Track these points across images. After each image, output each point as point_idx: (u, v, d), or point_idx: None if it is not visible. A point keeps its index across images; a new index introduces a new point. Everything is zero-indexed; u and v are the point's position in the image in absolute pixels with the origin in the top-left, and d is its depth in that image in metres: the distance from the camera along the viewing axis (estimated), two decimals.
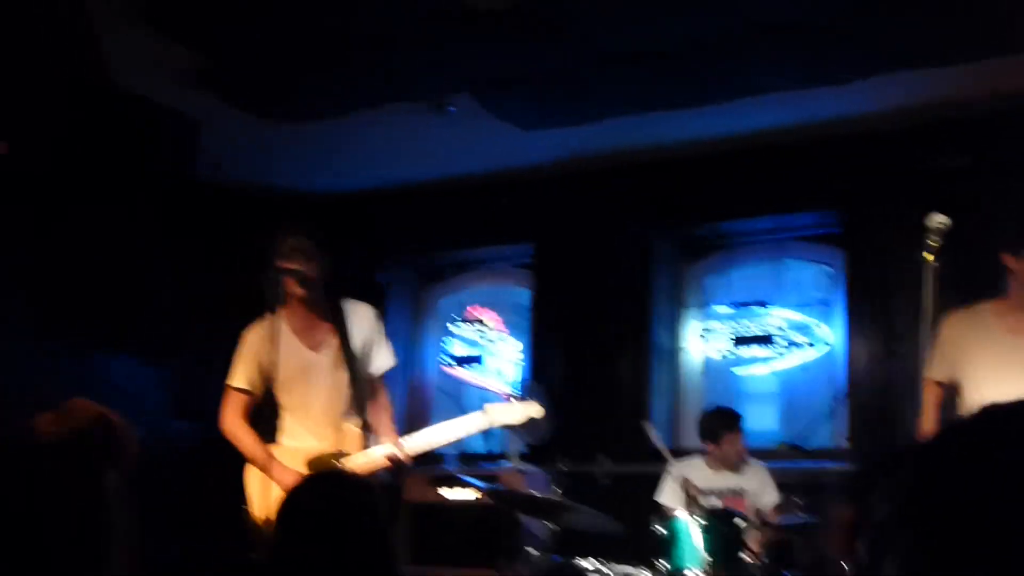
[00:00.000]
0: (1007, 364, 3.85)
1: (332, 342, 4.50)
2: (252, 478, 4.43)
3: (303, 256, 4.37)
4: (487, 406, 4.45)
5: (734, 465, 5.52)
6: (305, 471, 4.38)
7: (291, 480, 4.30)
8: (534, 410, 4.40)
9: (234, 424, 4.49)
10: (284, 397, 4.50)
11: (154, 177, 5.89)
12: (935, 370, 4.11)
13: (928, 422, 4.07)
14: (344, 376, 4.47)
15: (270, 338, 4.23)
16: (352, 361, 4.47)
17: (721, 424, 5.54)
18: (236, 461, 4.51)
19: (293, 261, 4.35)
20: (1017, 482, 0.69)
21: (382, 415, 4.58)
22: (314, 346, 4.52)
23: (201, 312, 6.77)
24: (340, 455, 4.38)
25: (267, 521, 4.18)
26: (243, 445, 4.44)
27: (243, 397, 4.49)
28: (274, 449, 4.40)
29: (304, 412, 4.49)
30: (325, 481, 2.65)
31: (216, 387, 4.58)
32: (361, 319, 4.58)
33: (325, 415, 4.45)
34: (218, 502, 4.46)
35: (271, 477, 4.25)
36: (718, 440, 5.48)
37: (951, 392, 4.08)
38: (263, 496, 4.31)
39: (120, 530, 1.67)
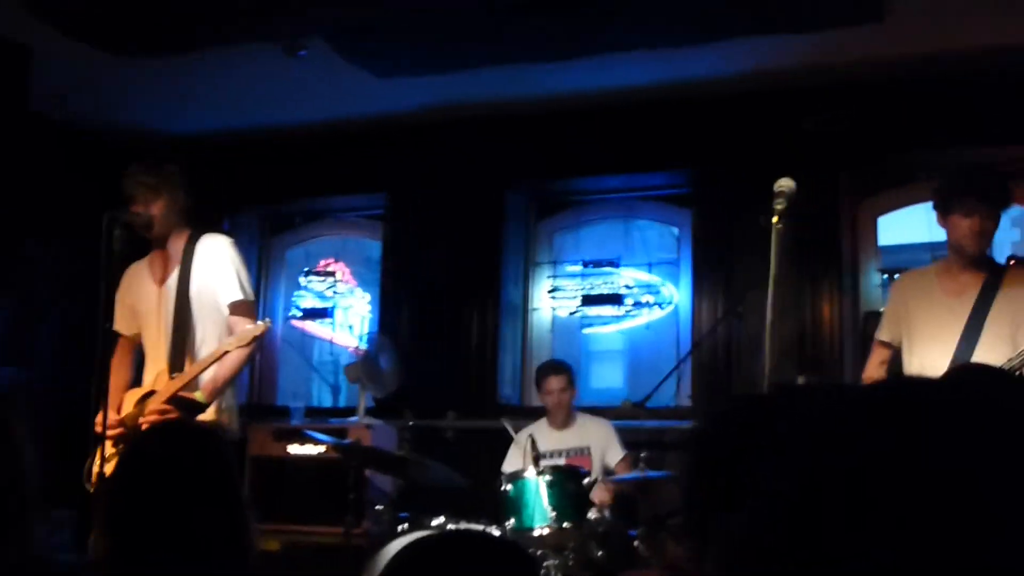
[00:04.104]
0: (943, 325, 3.93)
1: (175, 275, 4.34)
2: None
3: (146, 196, 4.21)
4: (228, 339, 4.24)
5: (563, 420, 5.61)
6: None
7: (110, 420, 4.13)
8: (260, 328, 4.22)
9: (111, 366, 4.29)
10: (143, 335, 4.40)
11: None
12: (882, 331, 4.18)
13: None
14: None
15: (128, 282, 4.07)
16: (183, 293, 4.29)
17: (540, 372, 5.74)
18: (66, 408, 4.34)
19: (136, 202, 4.20)
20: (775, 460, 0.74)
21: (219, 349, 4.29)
22: (160, 280, 4.37)
23: (32, 254, 6.44)
24: (149, 394, 4.23)
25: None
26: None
27: (119, 338, 4.37)
28: (133, 390, 4.29)
29: (152, 348, 4.36)
30: (166, 430, 2.55)
31: (47, 333, 4.39)
32: (209, 251, 4.38)
33: (162, 349, 4.30)
34: (46, 449, 4.25)
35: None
36: (540, 388, 5.66)
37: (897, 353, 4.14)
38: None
39: None
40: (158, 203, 4.24)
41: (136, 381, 4.43)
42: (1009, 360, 3.68)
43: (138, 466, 2.12)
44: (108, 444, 4.03)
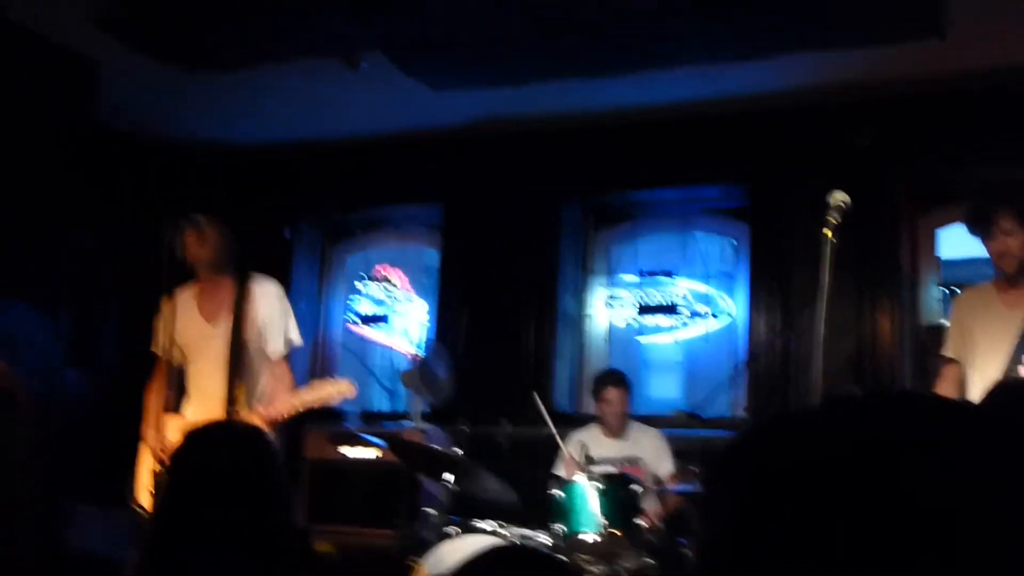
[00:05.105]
0: (999, 337, 3.98)
1: (228, 316, 4.47)
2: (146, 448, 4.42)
3: (201, 240, 4.36)
4: (311, 383, 4.48)
5: (618, 429, 5.61)
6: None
7: (155, 446, 4.27)
8: (345, 387, 4.40)
9: (149, 388, 4.53)
10: (186, 367, 4.53)
11: (51, 120, 5.70)
12: (947, 348, 4.26)
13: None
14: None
15: (173, 308, 4.20)
16: (238, 336, 4.42)
17: (600, 382, 5.71)
18: (128, 411, 4.45)
19: (191, 246, 4.35)
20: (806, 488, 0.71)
21: (276, 387, 4.51)
22: (211, 318, 4.50)
23: (96, 260, 6.60)
24: None
25: (144, 487, 4.25)
26: (144, 409, 4.44)
27: (161, 362, 4.51)
28: (171, 418, 4.39)
29: (198, 383, 4.50)
30: (215, 430, 2.58)
31: (110, 337, 4.50)
32: (263, 297, 4.55)
33: (214, 387, 4.42)
34: (111, 452, 4.38)
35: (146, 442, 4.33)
36: (598, 397, 5.62)
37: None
38: (147, 465, 4.32)
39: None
40: (211, 245, 4.41)
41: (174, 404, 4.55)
42: None
43: (185, 466, 2.17)
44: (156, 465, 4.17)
